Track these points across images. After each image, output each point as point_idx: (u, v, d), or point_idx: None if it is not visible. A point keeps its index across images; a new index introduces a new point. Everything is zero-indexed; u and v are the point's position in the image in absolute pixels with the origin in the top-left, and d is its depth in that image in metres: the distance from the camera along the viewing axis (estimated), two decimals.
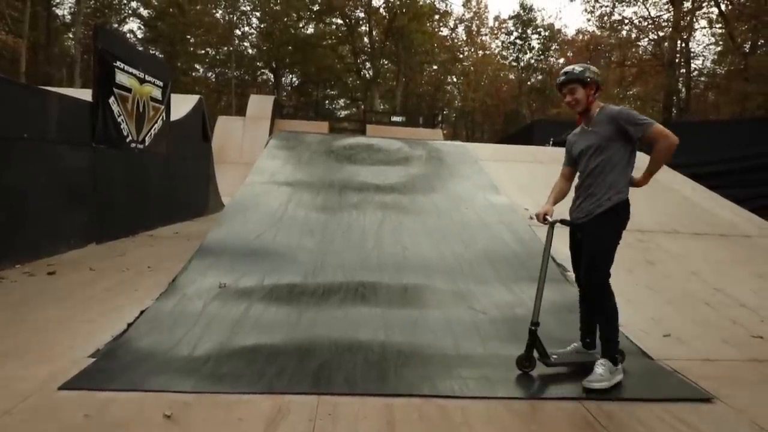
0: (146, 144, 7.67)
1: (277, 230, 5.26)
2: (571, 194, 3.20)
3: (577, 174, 3.14)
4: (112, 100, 6.59)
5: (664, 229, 6.13)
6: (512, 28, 44.09)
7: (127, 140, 7.09)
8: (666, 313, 4.00)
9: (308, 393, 2.53)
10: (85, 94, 6.67)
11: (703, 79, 31.03)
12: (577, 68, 2.98)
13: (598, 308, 2.98)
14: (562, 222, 3.02)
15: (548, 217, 3.04)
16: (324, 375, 2.73)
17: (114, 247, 6.16)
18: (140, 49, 28.66)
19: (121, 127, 6.88)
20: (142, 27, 39.70)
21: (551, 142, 13.34)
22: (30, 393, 2.38)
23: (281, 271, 4.42)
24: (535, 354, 2.91)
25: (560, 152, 10.90)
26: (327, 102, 47.28)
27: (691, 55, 28.79)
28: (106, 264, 5.20)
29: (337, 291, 4.07)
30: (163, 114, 8.33)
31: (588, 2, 30.19)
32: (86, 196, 6.18)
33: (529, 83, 43.90)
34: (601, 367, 2.81)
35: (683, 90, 29.02)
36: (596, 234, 2.92)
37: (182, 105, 10.03)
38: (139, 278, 4.63)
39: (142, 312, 3.56)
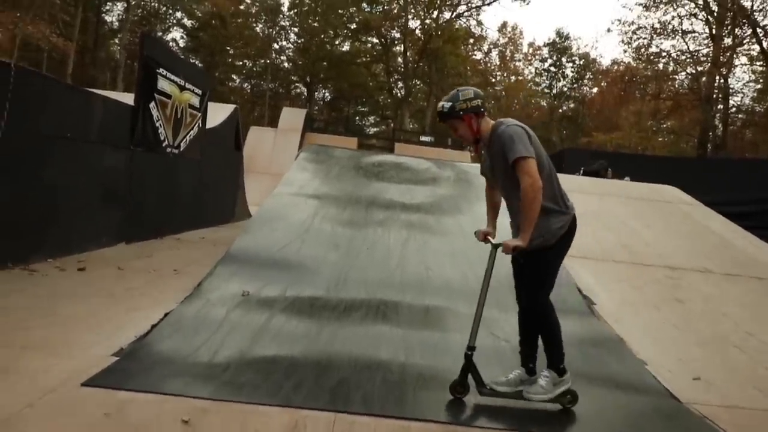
0: (181, 149, 7.86)
1: (303, 242, 5.29)
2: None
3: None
4: (152, 105, 6.79)
5: (696, 267, 5.95)
6: (546, 55, 44.15)
7: (164, 144, 7.27)
8: (695, 355, 3.86)
9: (325, 409, 2.51)
10: (127, 98, 6.90)
11: (741, 116, 30.39)
12: (446, 104, 2.76)
13: (540, 323, 2.86)
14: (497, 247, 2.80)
15: (490, 239, 2.90)
16: (342, 392, 2.70)
17: (142, 248, 6.29)
18: (182, 57, 29.56)
19: (159, 131, 7.07)
20: (185, 36, 41.07)
21: (581, 171, 13.18)
22: (54, 387, 2.42)
23: (304, 283, 4.43)
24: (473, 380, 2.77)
25: (590, 182, 10.73)
26: (357, 118, 47.81)
27: (730, 91, 28.26)
28: (134, 264, 5.31)
29: (359, 307, 4.06)
30: (200, 121, 8.53)
31: (625, 33, 29.98)
32: (120, 197, 6.35)
33: (560, 111, 43.67)
34: (544, 379, 2.73)
35: (720, 126, 28.43)
36: (535, 263, 2.79)
37: (218, 113, 10.27)
38: (164, 280, 4.71)
39: (166, 314, 3.61)
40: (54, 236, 5.17)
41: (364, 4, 37.66)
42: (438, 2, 36.12)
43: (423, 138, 27.40)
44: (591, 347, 3.78)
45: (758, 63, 26.42)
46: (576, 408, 2.85)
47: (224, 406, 2.44)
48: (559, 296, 4.69)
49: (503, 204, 3.05)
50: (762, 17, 24.51)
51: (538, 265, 2.80)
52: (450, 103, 2.76)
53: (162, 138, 7.20)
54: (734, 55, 26.94)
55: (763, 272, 6.08)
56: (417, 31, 37.37)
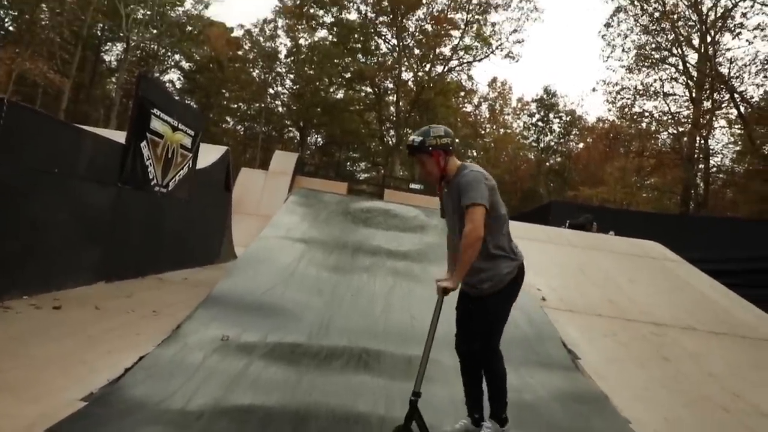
0: (169, 188, 7.84)
1: (287, 286, 5.22)
2: None
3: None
4: (143, 144, 6.82)
5: (681, 324, 5.96)
6: (534, 111, 45.46)
7: (152, 183, 7.26)
8: (680, 415, 3.80)
9: None
10: (119, 135, 6.93)
11: (721, 175, 31.27)
12: (417, 138, 2.76)
13: (486, 371, 2.81)
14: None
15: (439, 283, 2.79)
16: None
17: (122, 287, 6.16)
18: (177, 98, 30.02)
19: (149, 170, 7.07)
20: (182, 78, 41.81)
21: (567, 224, 13.35)
22: None
23: (286, 328, 4.35)
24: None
25: (576, 235, 10.84)
26: (348, 164, 48.37)
27: (710, 151, 29.19)
28: (112, 304, 5.18)
29: (340, 355, 3.97)
30: (190, 161, 8.56)
31: (610, 93, 31.13)
32: (103, 234, 6.26)
33: (548, 164, 44.63)
34: (486, 430, 2.69)
35: (701, 185, 29.18)
36: (484, 309, 2.78)
37: (210, 154, 10.32)
38: (142, 321, 4.59)
39: (141, 358, 3.49)
40: (31, 272, 5.05)
41: (359, 55, 38.88)
42: (430, 57, 37.40)
43: (412, 185, 27.63)
44: (575, 403, 3.71)
45: (736, 126, 27.44)
46: None
47: None
48: (544, 350, 4.69)
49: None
50: (739, 83, 25.70)
51: (486, 310, 2.79)
52: (421, 138, 2.77)
53: (151, 176, 7.19)
54: (713, 118, 27.99)
55: (747, 331, 6.10)
56: (410, 83, 38.50)
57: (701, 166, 29.03)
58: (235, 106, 43.33)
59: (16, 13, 30.34)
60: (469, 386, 2.90)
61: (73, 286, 5.64)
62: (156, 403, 2.85)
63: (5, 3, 29.21)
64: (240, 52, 41.08)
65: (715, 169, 30.64)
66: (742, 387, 4.51)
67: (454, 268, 2.90)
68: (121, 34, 32.59)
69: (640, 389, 4.22)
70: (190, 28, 37.54)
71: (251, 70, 41.67)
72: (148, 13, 33.11)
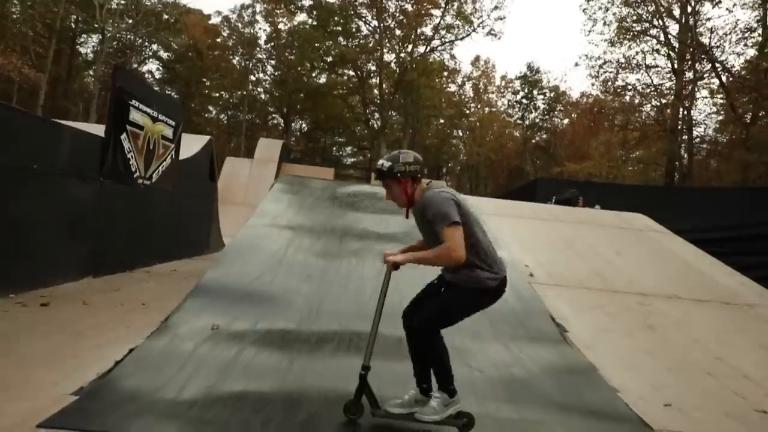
0: (153, 180, 7.76)
1: (275, 274, 5.22)
2: None
3: None
4: (124, 136, 6.72)
5: (666, 293, 6.06)
6: (518, 88, 45.37)
7: (135, 176, 7.18)
8: (666, 381, 3.89)
9: None
10: (98, 129, 6.82)
11: (705, 146, 31.55)
12: (386, 164, 2.76)
13: (427, 348, 2.83)
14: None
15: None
16: (311, 427, 2.64)
17: (110, 282, 6.12)
18: (156, 89, 29.53)
19: (130, 163, 6.98)
20: (161, 68, 41.08)
21: (553, 200, 13.43)
22: (7, 429, 2.30)
23: (276, 315, 4.36)
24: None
25: (562, 210, 10.92)
26: (334, 149, 48.11)
27: (693, 122, 29.37)
28: (100, 298, 5.15)
29: (331, 340, 4.00)
30: (173, 152, 8.46)
31: (592, 68, 31.11)
32: (88, 229, 6.20)
33: (533, 141, 44.73)
34: (435, 400, 2.75)
35: (685, 156, 29.46)
36: (451, 294, 2.82)
37: (192, 144, 10.22)
38: (131, 315, 4.57)
39: (131, 350, 3.49)
40: (17, 271, 5.00)
41: (340, 38, 38.40)
42: (412, 37, 37.05)
43: None
44: (564, 375, 3.78)
45: (718, 96, 27.63)
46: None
47: None
48: (533, 324, 4.75)
49: None
50: (720, 53, 25.80)
51: (452, 295, 2.81)
52: (390, 164, 2.77)
53: (133, 169, 7.11)
54: (696, 89, 28.15)
55: (730, 297, 6.22)
56: (392, 65, 38.15)
57: (685, 137, 29.27)
58: (217, 94, 42.72)
59: None
60: (415, 356, 2.93)
61: (61, 282, 5.60)
62: (148, 393, 2.86)
63: None
64: (219, 40, 40.35)
65: (698, 139, 30.89)
66: (725, 351, 4.62)
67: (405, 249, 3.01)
68: (96, 26, 31.82)
69: (627, 358, 4.30)
70: (166, 16, 36.75)
71: (231, 57, 41.02)
72: (123, 2, 32.35)
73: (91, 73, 36.42)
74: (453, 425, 2.77)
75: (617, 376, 3.85)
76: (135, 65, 37.65)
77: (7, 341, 3.52)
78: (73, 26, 34.91)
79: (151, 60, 40.81)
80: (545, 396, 3.41)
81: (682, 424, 3.19)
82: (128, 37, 37.37)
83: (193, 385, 3.01)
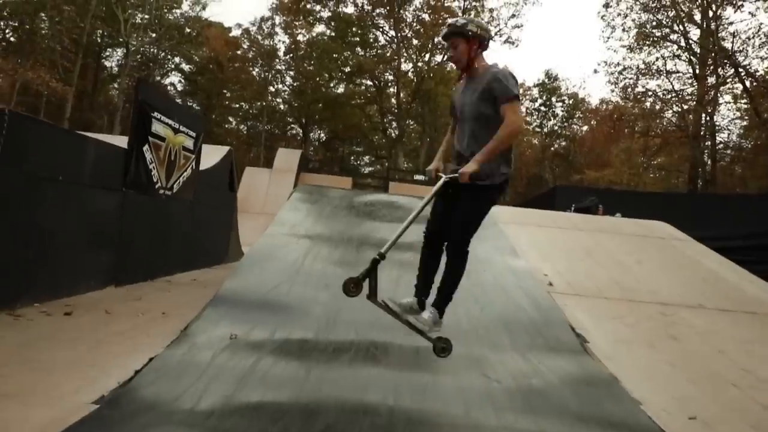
0: (174, 191, 7.90)
1: (293, 283, 5.25)
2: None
3: (456, 130, 3.06)
4: (146, 148, 6.86)
5: (689, 303, 5.93)
6: (537, 95, 45.15)
7: (156, 186, 7.31)
8: (690, 393, 3.80)
9: None
10: (122, 141, 6.97)
11: (729, 152, 30.93)
12: (460, 20, 2.86)
13: (452, 266, 2.96)
14: (451, 179, 2.91)
15: (441, 174, 2.98)
16: None
17: (132, 291, 6.22)
18: (178, 101, 30.11)
19: (152, 173, 7.12)
20: (183, 81, 41.92)
21: (573, 208, 13.28)
22: None
23: (293, 324, 4.38)
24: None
25: (581, 218, 10.82)
26: (352, 158, 48.38)
27: (717, 128, 28.85)
28: (122, 307, 5.24)
29: (348, 349, 4.00)
30: (193, 163, 8.61)
31: (612, 74, 30.82)
32: (110, 239, 6.32)
33: (552, 149, 44.36)
34: (429, 314, 2.91)
35: (709, 162, 28.90)
36: (478, 203, 2.89)
37: (213, 155, 10.37)
38: (152, 324, 4.64)
39: (150, 359, 3.54)
40: (41, 280, 5.12)
41: (358, 49, 38.76)
42: (429, 46, 37.19)
43: (417, 177, 27.64)
44: (584, 386, 3.72)
45: (742, 101, 27.10)
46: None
47: None
48: (552, 334, 4.69)
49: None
50: (743, 57, 25.34)
51: (478, 200, 2.89)
52: (464, 21, 2.86)
53: (155, 180, 7.24)
54: (718, 94, 27.66)
55: (756, 307, 6.06)
56: (409, 74, 38.34)
57: (708, 143, 28.74)
58: (237, 105, 43.41)
59: (16, 24, 30.51)
60: (425, 271, 3.08)
61: (84, 291, 5.71)
62: (166, 403, 2.89)
63: (5, 14, 29.35)
64: (239, 52, 41.08)
65: (722, 145, 30.31)
66: (751, 362, 4.49)
67: (456, 159, 3.03)
68: (121, 40, 32.67)
69: (649, 370, 4.21)
70: (188, 30, 37.55)
71: (251, 69, 41.69)
72: (147, 17, 33.16)
73: (115, 86, 37.36)
74: (434, 345, 2.98)
75: (639, 388, 3.77)
76: (158, 78, 38.50)
77: (31, 349, 3.60)
78: (99, 41, 35.90)
79: (173, 72, 41.73)
80: (565, 407, 3.35)
81: None
82: (152, 50, 38.28)
83: (210, 395, 3.03)
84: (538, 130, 45.42)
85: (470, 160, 2.88)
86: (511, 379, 3.72)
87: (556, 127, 44.74)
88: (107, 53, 38.00)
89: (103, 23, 32.66)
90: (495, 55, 79.61)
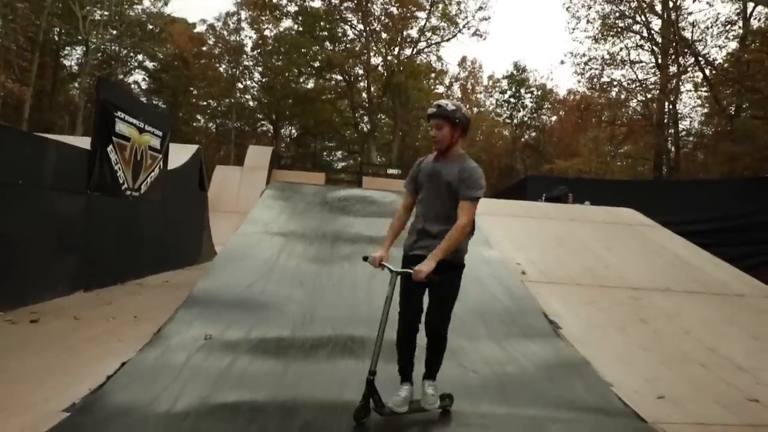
0: (141, 192, 7.71)
1: (268, 281, 5.21)
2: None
3: (417, 205, 3.09)
4: (110, 148, 6.68)
5: (657, 286, 6.11)
6: (506, 87, 45.57)
7: (123, 188, 7.13)
8: (660, 374, 3.92)
9: None
10: (85, 142, 6.77)
11: (691, 139, 31.84)
12: (450, 106, 2.93)
13: (436, 346, 2.99)
14: (403, 274, 2.91)
15: (387, 265, 2.95)
16: None
17: (101, 296, 6.07)
18: (142, 99, 29.39)
19: (118, 174, 6.93)
20: (147, 78, 40.86)
21: (543, 198, 13.50)
22: None
23: (269, 323, 4.34)
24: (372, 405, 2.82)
25: (553, 208, 11.00)
26: (325, 153, 48.07)
27: (679, 116, 29.64)
28: (92, 312, 5.10)
29: (326, 345, 3.99)
30: (161, 163, 8.42)
31: (578, 65, 31.36)
32: (77, 243, 6.14)
33: (522, 140, 44.93)
34: (431, 388, 2.92)
35: (672, 149, 29.73)
36: (452, 282, 2.93)
37: (181, 154, 10.16)
38: (123, 328, 4.53)
39: (123, 364, 3.46)
40: (5, 288, 4.94)
41: (327, 43, 38.41)
42: (398, 40, 37.15)
43: (390, 171, 27.66)
44: (558, 371, 3.80)
45: (702, 89, 27.92)
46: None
47: None
48: (525, 322, 4.77)
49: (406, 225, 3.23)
50: (702, 46, 26.10)
51: (452, 281, 2.94)
52: (453, 108, 2.92)
53: (121, 181, 7.06)
54: (680, 82, 28.43)
55: (720, 288, 6.29)
56: (379, 68, 38.20)
57: (671, 131, 29.52)
58: (205, 103, 42.53)
59: None
60: (407, 355, 3.03)
61: (51, 297, 5.54)
62: (140, 407, 2.84)
63: None
64: (204, 48, 40.18)
65: (684, 132, 31.17)
66: (717, 342, 4.66)
67: (388, 248, 3.10)
68: (80, 38, 31.60)
69: (620, 353, 4.33)
70: (151, 26, 36.54)
71: (218, 65, 40.86)
72: (106, 13, 32.11)
73: (76, 85, 36.16)
74: (442, 406, 2.99)
75: (611, 371, 3.87)
76: (120, 76, 37.41)
77: None
78: (57, 39, 34.65)
79: (136, 70, 40.58)
80: (539, 393, 3.42)
81: (676, 416, 3.22)
82: (113, 48, 37.13)
83: (186, 397, 2.99)
84: (508, 121, 45.90)
85: (428, 245, 2.90)
86: (486, 368, 3.77)
87: (525, 118, 45.27)
88: (66, 51, 36.69)
89: (60, 20, 31.50)
90: (463, 47, 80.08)
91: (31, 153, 5.38)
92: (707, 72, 25.70)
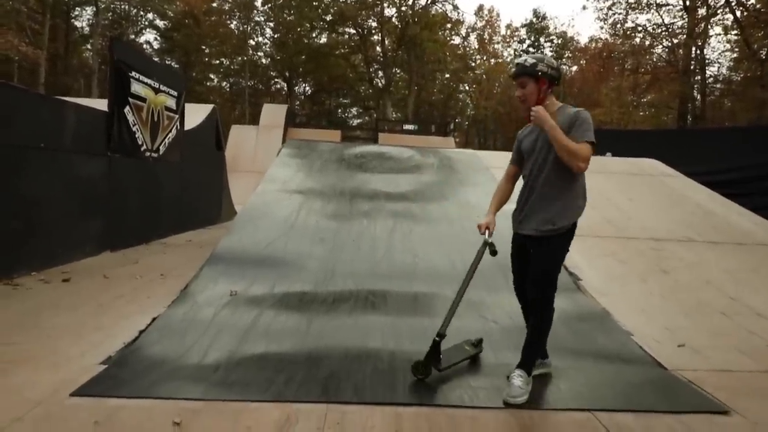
0: (160, 153, 7.78)
1: (288, 238, 5.28)
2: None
3: (523, 175, 2.90)
4: (127, 109, 6.69)
5: (678, 237, 6.05)
6: (524, 36, 44.16)
7: (142, 149, 7.19)
8: (680, 323, 3.93)
9: (317, 401, 2.53)
10: (102, 104, 6.80)
11: (718, 86, 30.71)
12: (529, 59, 2.72)
13: (536, 316, 2.80)
14: (492, 250, 2.82)
15: (487, 232, 2.85)
16: (333, 384, 2.72)
17: (128, 255, 6.23)
18: (155, 59, 29.17)
19: (136, 136, 6.98)
20: (159, 38, 40.46)
21: None
22: (41, 400, 2.40)
23: (292, 278, 4.43)
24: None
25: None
26: (340, 111, 47.61)
27: (707, 61, 28.53)
28: (120, 271, 5.26)
29: (347, 299, 4.07)
30: (177, 123, 8.43)
31: (601, 10, 30.08)
32: (101, 205, 6.27)
33: None
34: (519, 379, 2.66)
35: (698, 97, 28.73)
36: (551, 251, 2.74)
37: (196, 114, 10.16)
38: (151, 285, 4.68)
39: (153, 319, 3.59)
40: (36, 248, 5.10)
41: None
42: None
43: (406, 126, 27.34)
44: (578, 322, 3.84)
45: (733, 32, 26.65)
46: (565, 381, 2.90)
47: (215, 405, 2.45)
48: None
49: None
50: None
51: (546, 252, 2.74)
52: (534, 60, 2.71)
53: (140, 142, 7.11)
54: (709, 26, 27.15)
55: (743, 238, 6.19)
56: (393, 19, 37.21)
57: (698, 77, 28.48)
58: (217, 62, 42.13)
59: None
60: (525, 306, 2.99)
61: (80, 258, 5.72)
62: (173, 360, 2.96)
63: None
64: (214, 4, 39.48)
65: (711, 79, 30.06)
66: (739, 291, 4.63)
67: (494, 213, 2.94)
68: None
69: (640, 303, 4.34)
70: None
71: (229, 22, 40.22)
72: None
73: (89, 47, 36.01)
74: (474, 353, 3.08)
75: (631, 321, 3.90)
76: (132, 36, 37.11)
77: (33, 316, 3.63)
78: None
79: (147, 30, 40.23)
80: (559, 342, 3.46)
81: (696, 363, 3.24)
82: (122, 7, 36.68)
83: (215, 350, 3.10)
84: None
85: (537, 217, 2.76)
86: (507, 319, 3.82)
87: None
88: (76, 12, 36.39)
89: None
90: None
91: (51, 116, 5.43)
92: (738, 14, 24.43)
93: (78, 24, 37.28)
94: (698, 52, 27.82)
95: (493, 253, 2.80)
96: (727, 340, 3.67)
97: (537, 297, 2.78)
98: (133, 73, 6.86)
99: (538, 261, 2.77)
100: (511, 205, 3.02)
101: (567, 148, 2.59)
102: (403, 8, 36.53)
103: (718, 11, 26.34)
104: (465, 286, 2.86)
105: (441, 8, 37.84)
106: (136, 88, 6.92)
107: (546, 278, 2.75)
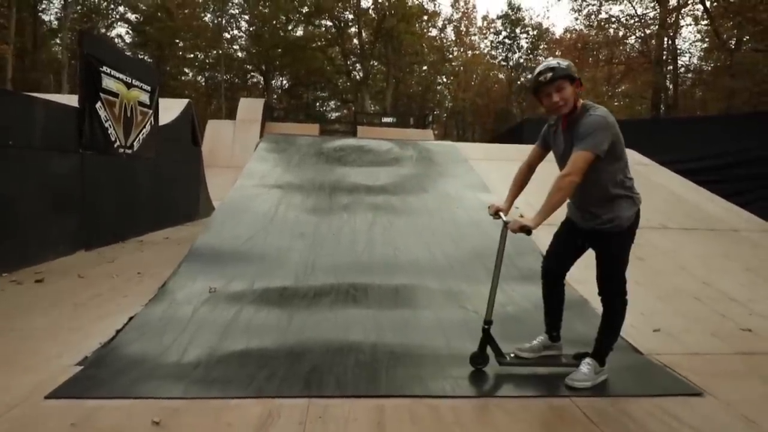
0: (135, 149, 7.62)
1: (268, 233, 5.23)
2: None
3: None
4: (99, 105, 6.54)
5: (653, 224, 6.17)
6: (501, 28, 44.38)
7: (115, 145, 7.03)
8: (656, 309, 4.02)
9: (299, 396, 2.52)
10: (72, 100, 6.62)
11: (690, 75, 31.33)
12: (562, 62, 2.64)
13: (606, 318, 2.86)
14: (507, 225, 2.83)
15: (502, 215, 2.93)
16: (315, 378, 2.71)
17: (103, 254, 6.11)
18: (127, 53, 28.54)
19: (109, 132, 6.82)
20: (130, 32, 39.54)
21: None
22: (16, 403, 2.35)
23: (272, 274, 4.40)
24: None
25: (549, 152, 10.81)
26: (318, 104, 47.27)
27: (678, 52, 29.08)
28: (95, 270, 5.16)
29: (328, 293, 4.06)
30: (152, 118, 8.27)
31: (575, 1, 30.41)
32: (75, 203, 6.13)
33: (518, 82, 44.13)
34: (586, 366, 2.75)
35: (671, 87, 29.27)
36: (615, 251, 2.79)
37: (171, 109, 9.97)
38: (128, 284, 4.60)
39: (130, 318, 3.53)
40: (7, 249, 4.97)
41: None
42: None
43: (385, 119, 27.33)
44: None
45: (703, 22, 27.18)
46: (543, 369, 2.94)
47: (196, 403, 2.42)
48: (525, 264, 4.83)
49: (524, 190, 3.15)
50: None
51: (610, 249, 2.78)
52: (566, 62, 2.63)
53: (113, 139, 6.96)
54: (680, 16, 27.65)
55: (716, 224, 6.35)
56: (370, 11, 36.99)
57: (670, 67, 28.99)
58: (192, 55, 41.37)
59: None
60: (551, 309, 3.03)
61: (53, 257, 5.58)
62: (152, 358, 2.91)
63: None
64: None
65: (683, 69, 30.66)
66: (712, 276, 4.75)
67: (511, 201, 3.02)
68: None
69: None
70: None
71: (203, 15, 39.48)
72: None
73: (58, 41, 35.00)
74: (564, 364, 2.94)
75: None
76: (103, 30, 36.18)
77: (7, 318, 3.54)
78: None
79: (119, 23, 39.24)
80: (537, 331, 3.50)
81: (671, 347, 3.33)
82: (92, 0, 35.70)
83: (195, 347, 3.06)
84: (503, 63, 44.93)
85: (592, 219, 2.81)
86: None
87: (521, 60, 44.30)
88: (44, 6, 35.30)
89: None
90: None
91: (20, 113, 5.27)
92: (708, 4, 24.92)
93: (46, 18, 36.20)
94: (670, 42, 28.32)
95: (528, 232, 2.72)
96: (701, 324, 3.76)
97: (611, 292, 2.87)
98: (105, 68, 6.70)
99: (606, 263, 2.83)
100: (489, 195, 3.04)
101: (551, 206, 2.62)
102: (380, 0, 36.35)
103: (689, 2, 26.84)
104: (498, 270, 2.91)
105: (417, 0, 37.77)
106: (107, 83, 6.76)
107: (618, 275, 2.85)
